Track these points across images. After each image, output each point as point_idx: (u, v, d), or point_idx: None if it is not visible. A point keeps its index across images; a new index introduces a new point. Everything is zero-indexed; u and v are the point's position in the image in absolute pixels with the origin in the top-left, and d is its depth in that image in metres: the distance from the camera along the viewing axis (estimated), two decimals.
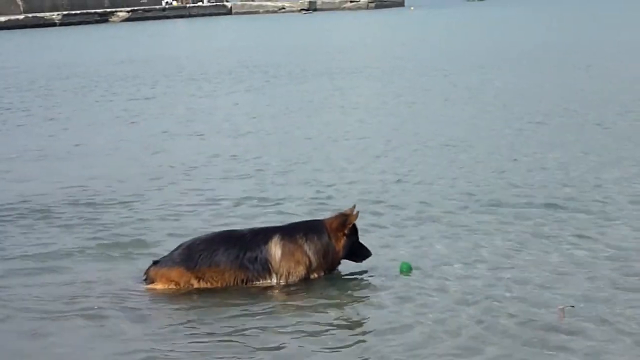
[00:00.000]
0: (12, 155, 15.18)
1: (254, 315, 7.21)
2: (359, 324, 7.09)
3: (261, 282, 7.72)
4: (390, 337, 6.71)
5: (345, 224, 7.87)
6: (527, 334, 6.65)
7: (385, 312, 7.20)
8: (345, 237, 7.86)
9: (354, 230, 7.95)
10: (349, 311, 7.33)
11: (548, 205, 10.24)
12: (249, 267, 7.68)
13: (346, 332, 6.88)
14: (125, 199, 11.38)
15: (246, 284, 7.71)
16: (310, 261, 7.77)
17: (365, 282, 7.96)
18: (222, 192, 11.57)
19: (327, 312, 7.25)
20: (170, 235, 9.42)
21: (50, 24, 70.65)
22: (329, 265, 7.90)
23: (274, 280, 7.73)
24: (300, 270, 7.77)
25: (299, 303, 7.45)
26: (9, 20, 69.05)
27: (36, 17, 71.10)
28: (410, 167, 12.85)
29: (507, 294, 7.43)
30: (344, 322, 7.09)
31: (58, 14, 72.60)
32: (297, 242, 7.77)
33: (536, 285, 7.61)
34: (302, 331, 6.87)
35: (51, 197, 11.59)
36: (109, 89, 25.54)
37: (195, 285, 7.70)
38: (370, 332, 6.87)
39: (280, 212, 10.27)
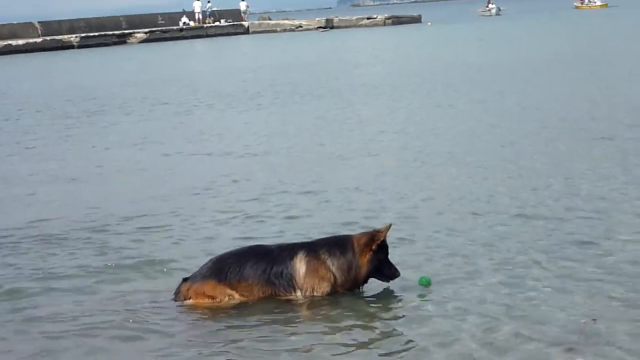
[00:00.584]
0: (29, 178, 15.07)
1: (276, 331, 7.25)
2: (377, 340, 7.04)
3: (287, 297, 7.75)
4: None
5: (374, 240, 7.77)
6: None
7: (402, 331, 7.15)
8: (371, 254, 7.76)
9: (383, 247, 7.82)
10: (369, 327, 7.29)
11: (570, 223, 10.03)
12: (275, 282, 7.73)
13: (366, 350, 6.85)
14: (147, 220, 11.27)
15: (273, 298, 7.75)
16: (334, 277, 7.76)
17: (387, 299, 7.84)
18: (246, 211, 11.45)
19: (348, 329, 7.23)
20: (194, 255, 9.35)
21: (68, 46, 70.88)
22: (352, 281, 7.82)
23: (299, 295, 7.74)
24: (324, 286, 7.76)
25: (320, 318, 7.45)
26: (27, 43, 69.32)
27: (54, 39, 71.36)
28: (434, 184, 12.68)
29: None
30: (365, 339, 7.05)
31: (76, 37, 72.86)
32: (321, 258, 7.75)
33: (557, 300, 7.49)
34: (322, 345, 6.91)
35: (70, 219, 11.48)
36: (128, 110, 25.47)
37: (228, 298, 7.74)
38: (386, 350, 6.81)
39: (304, 230, 10.15)
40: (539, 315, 7.21)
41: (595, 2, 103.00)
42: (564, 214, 10.38)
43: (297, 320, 7.44)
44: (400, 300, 7.78)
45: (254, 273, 7.73)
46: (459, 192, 11.95)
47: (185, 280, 7.93)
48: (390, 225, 7.91)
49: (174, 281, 8.20)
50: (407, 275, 8.13)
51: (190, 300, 7.78)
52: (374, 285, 7.98)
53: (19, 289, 8.64)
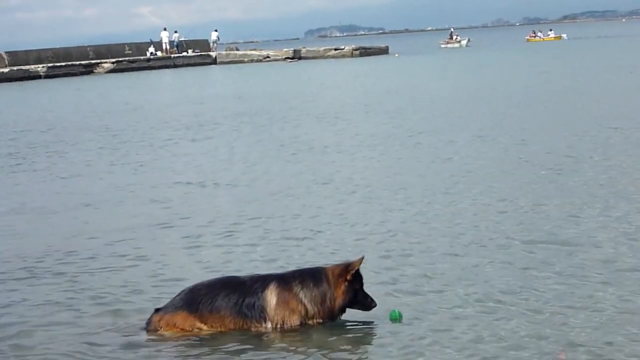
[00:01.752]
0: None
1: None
2: None
3: (258, 329, 7.68)
4: None
5: (348, 270, 7.76)
6: None
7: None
8: (346, 284, 7.73)
9: (357, 278, 7.81)
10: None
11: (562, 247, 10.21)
12: (247, 314, 7.67)
13: None
14: (122, 251, 11.30)
15: (245, 330, 7.69)
16: (305, 309, 7.70)
17: (361, 330, 7.84)
18: (214, 242, 11.48)
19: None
20: (173, 283, 9.39)
21: (35, 76, 70.56)
22: (327, 313, 7.76)
23: (269, 327, 7.68)
24: (295, 319, 7.70)
25: (293, 350, 7.40)
26: None
27: (21, 69, 71.02)
28: (411, 214, 12.77)
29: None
30: None
31: (43, 66, 72.57)
32: (293, 290, 7.70)
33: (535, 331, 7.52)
34: None
35: (48, 251, 11.47)
36: (95, 140, 25.48)
37: (199, 329, 7.69)
38: None
39: (286, 263, 10.18)
40: (513, 344, 7.26)
41: (549, 35, 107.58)
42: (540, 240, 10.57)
43: (267, 354, 7.39)
44: (372, 335, 7.74)
45: (225, 304, 7.68)
46: (426, 221, 12.09)
47: (157, 310, 7.90)
48: (363, 257, 7.88)
49: (146, 312, 8.22)
50: (378, 308, 8.08)
51: (161, 331, 7.74)
52: (348, 318, 7.96)
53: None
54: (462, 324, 7.80)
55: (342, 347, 7.48)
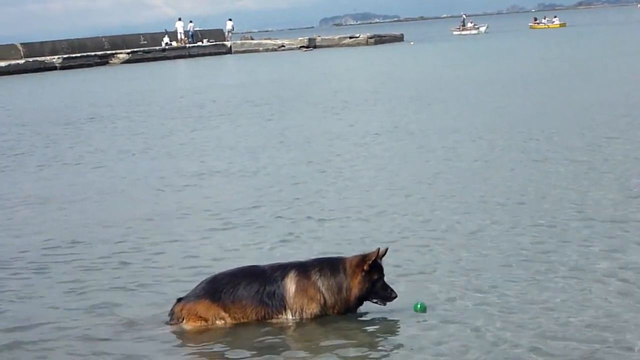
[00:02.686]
0: (16, 200, 14.99)
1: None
2: None
3: (279, 317, 7.70)
4: None
5: (365, 261, 7.73)
6: None
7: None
8: (362, 274, 7.69)
9: (375, 268, 7.76)
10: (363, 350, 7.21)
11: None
12: (268, 303, 7.68)
13: None
14: (141, 242, 11.30)
15: (266, 319, 7.71)
16: (324, 297, 7.69)
17: (383, 322, 7.77)
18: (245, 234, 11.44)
19: (343, 352, 7.15)
20: (192, 275, 9.32)
21: (51, 67, 70.66)
22: (343, 302, 7.73)
23: (289, 316, 7.69)
24: (313, 307, 7.70)
25: (313, 341, 7.39)
26: (9, 65, 69.07)
27: (37, 61, 71.11)
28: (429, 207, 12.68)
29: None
30: None
31: (58, 58, 72.65)
32: (311, 278, 7.70)
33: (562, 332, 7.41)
34: None
35: (61, 242, 11.49)
36: (113, 129, 25.48)
37: (222, 318, 7.70)
38: None
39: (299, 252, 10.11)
40: (544, 337, 7.20)
41: (554, 22, 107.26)
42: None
43: (288, 346, 7.36)
44: (397, 326, 7.68)
45: (247, 294, 7.70)
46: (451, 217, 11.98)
47: (179, 300, 7.90)
48: (379, 249, 7.82)
49: (168, 301, 8.21)
50: (403, 300, 8.04)
51: (184, 322, 7.73)
52: (369, 310, 7.91)
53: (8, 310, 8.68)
54: (485, 319, 7.72)
55: (368, 343, 7.42)
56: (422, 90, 31.84)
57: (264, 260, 8.96)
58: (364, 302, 7.91)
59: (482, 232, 10.76)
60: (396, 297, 7.83)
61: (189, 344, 7.53)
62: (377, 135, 20.49)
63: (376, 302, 7.85)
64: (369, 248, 8.41)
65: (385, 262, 8.02)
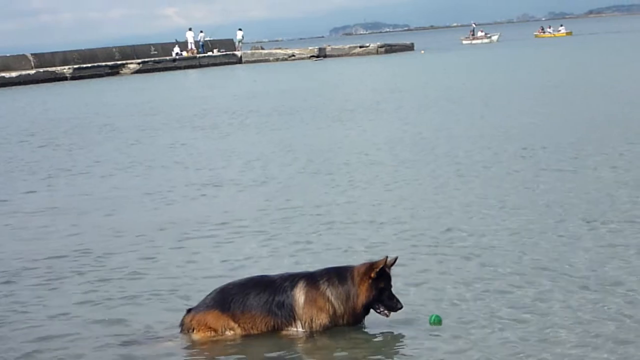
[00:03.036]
0: (24, 210, 14.97)
1: None
2: None
3: (288, 328, 7.67)
4: None
5: (372, 268, 7.68)
6: None
7: None
8: (369, 281, 7.64)
9: (383, 277, 7.70)
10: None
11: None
12: (277, 313, 7.65)
13: None
14: (153, 251, 11.30)
15: (275, 329, 7.68)
16: (333, 307, 7.65)
17: (393, 335, 7.71)
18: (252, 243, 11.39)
19: None
20: (204, 285, 9.28)
21: (61, 77, 70.84)
22: (351, 310, 7.68)
23: (299, 327, 7.66)
24: (323, 318, 7.66)
25: (324, 351, 7.39)
26: (20, 75, 69.29)
27: (47, 71, 71.32)
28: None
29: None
30: None
31: (69, 68, 72.85)
32: (320, 288, 7.67)
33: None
34: None
35: (72, 251, 11.50)
36: (124, 139, 25.49)
37: (231, 329, 7.68)
38: None
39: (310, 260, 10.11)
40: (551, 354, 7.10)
41: (560, 30, 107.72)
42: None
43: (300, 357, 7.33)
44: (408, 338, 7.62)
45: (256, 304, 7.67)
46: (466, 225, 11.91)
47: (189, 311, 7.89)
48: (387, 257, 7.77)
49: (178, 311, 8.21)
50: (416, 312, 8.02)
51: (194, 332, 7.71)
52: (380, 322, 7.86)
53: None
54: (499, 333, 7.65)
55: (381, 353, 7.37)
56: (434, 99, 31.76)
57: (275, 270, 8.93)
58: (370, 312, 7.84)
59: (495, 240, 10.69)
60: (402, 307, 7.77)
61: (198, 356, 7.48)
62: (387, 144, 20.42)
63: (380, 312, 7.79)
64: (378, 257, 8.34)
65: (396, 271, 7.95)
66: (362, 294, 7.66)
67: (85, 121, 32.55)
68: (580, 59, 53.28)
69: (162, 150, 22.42)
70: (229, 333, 7.70)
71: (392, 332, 7.78)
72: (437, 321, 7.82)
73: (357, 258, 9.70)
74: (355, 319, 7.76)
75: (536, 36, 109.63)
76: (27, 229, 13.45)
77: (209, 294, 7.93)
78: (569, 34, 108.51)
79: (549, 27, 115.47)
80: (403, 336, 7.68)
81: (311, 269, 8.20)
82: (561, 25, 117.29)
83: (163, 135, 25.90)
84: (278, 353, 7.40)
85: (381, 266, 7.68)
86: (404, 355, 7.30)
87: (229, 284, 7.97)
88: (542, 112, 24.66)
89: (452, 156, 17.63)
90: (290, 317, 7.67)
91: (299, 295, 7.66)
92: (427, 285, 9.04)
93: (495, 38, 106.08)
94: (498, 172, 15.54)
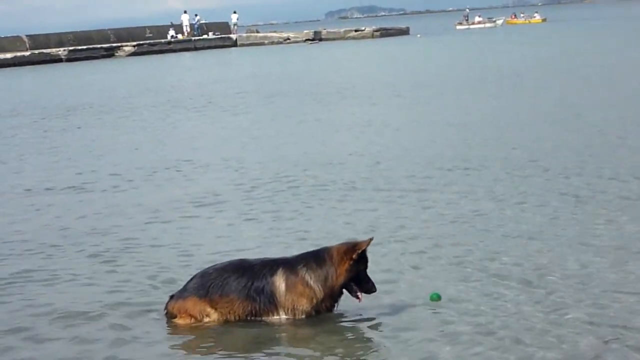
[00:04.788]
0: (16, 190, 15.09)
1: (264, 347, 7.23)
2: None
3: (268, 315, 7.68)
4: None
5: (354, 249, 7.66)
6: None
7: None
8: (351, 262, 7.63)
9: (363, 258, 7.71)
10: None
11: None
12: (256, 299, 7.66)
13: None
14: (140, 233, 11.35)
15: (255, 316, 7.69)
16: (313, 291, 7.64)
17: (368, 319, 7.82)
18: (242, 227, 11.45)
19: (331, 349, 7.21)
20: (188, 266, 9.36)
21: (57, 59, 70.84)
22: (329, 291, 7.65)
23: (281, 314, 7.68)
24: (304, 303, 7.67)
25: (305, 335, 7.46)
26: (15, 56, 69.26)
27: (42, 53, 71.30)
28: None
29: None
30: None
31: (64, 50, 72.82)
32: (299, 273, 7.67)
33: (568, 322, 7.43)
34: None
35: (71, 231, 11.57)
36: (116, 120, 25.59)
37: (210, 314, 7.69)
38: None
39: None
40: (550, 335, 7.17)
41: (535, 17, 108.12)
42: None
43: (280, 343, 7.36)
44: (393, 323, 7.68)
45: (235, 288, 7.66)
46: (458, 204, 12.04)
47: (171, 297, 7.91)
48: (372, 238, 7.77)
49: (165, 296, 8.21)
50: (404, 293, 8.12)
51: (176, 319, 7.75)
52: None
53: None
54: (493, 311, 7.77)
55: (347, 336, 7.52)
56: (429, 84, 31.86)
57: (263, 251, 9.06)
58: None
59: (492, 229, 10.67)
60: (375, 291, 7.77)
61: (179, 342, 7.50)
62: (382, 126, 20.53)
63: (354, 294, 7.75)
64: (358, 237, 8.45)
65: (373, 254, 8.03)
66: (341, 275, 7.61)
67: (79, 101, 32.57)
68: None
69: (156, 131, 22.53)
70: (207, 319, 7.69)
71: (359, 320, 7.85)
72: (437, 298, 7.98)
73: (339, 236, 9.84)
74: (333, 301, 7.75)
75: (508, 22, 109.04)
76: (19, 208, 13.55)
77: (190, 279, 7.92)
78: (543, 20, 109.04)
79: (522, 13, 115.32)
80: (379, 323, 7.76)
81: (288, 256, 8.10)
82: (536, 12, 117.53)
83: (158, 117, 26.01)
84: (262, 337, 7.47)
85: (364, 247, 7.67)
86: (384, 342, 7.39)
87: (208, 269, 7.94)
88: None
89: (449, 140, 17.75)
90: (271, 304, 7.64)
91: (279, 282, 7.63)
92: (412, 270, 9.12)
93: (499, 22, 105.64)
94: (476, 163, 15.60)
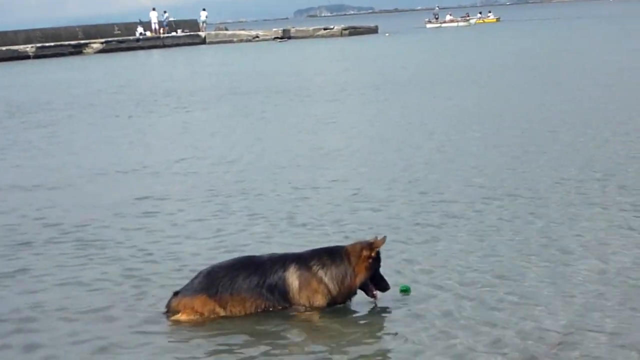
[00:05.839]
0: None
1: (273, 342, 7.22)
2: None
3: (281, 311, 7.64)
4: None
5: (372, 248, 7.71)
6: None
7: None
8: (369, 262, 7.69)
9: (379, 257, 7.79)
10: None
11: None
12: (269, 297, 7.61)
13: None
14: (130, 227, 11.35)
15: (267, 313, 7.64)
16: (327, 288, 7.64)
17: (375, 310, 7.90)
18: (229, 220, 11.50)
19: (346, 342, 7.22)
20: (186, 266, 9.30)
21: (24, 56, 70.43)
22: (346, 290, 7.69)
23: (294, 310, 7.65)
24: (319, 299, 7.66)
25: (318, 329, 7.45)
26: None
27: (10, 49, 70.87)
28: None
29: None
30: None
31: (32, 47, 72.41)
32: (312, 270, 7.64)
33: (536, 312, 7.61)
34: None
35: (42, 225, 11.58)
36: (88, 118, 25.62)
37: (219, 313, 7.61)
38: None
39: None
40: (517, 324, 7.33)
41: (488, 17, 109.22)
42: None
43: (289, 337, 7.32)
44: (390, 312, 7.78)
45: (246, 287, 7.58)
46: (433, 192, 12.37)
47: (175, 294, 7.77)
48: (385, 237, 7.83)
49: (165, 294, 8.14)
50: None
51: (180, 315, 7.62)
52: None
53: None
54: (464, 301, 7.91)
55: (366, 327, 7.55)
56: (399, 80, 32.10)
57: (262, 248, 9.14)
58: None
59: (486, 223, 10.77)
60: (389, 288, 7.84)
61: (182, 339, 7.42)
62: (356, 124, 20.79)
63: (370, 294, 7.82)
64: (363, 236, 8.56)
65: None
66: (360, 274, 7.65)
67: (51, 98, 32.50)
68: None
69: (124, 129, 22.58)
70: (216, 317, 7.59)
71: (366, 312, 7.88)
72: (406, 289, 8.07)
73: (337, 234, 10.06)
74: (348, 299, 7.78)
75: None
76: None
77: (195, 277, 7.77)
78: (497, 19, 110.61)
79: (479, 13, 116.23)
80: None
81: (298, 251, 8.06)
82: (489, 12, 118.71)
83: (130, 113, 26.07)
84: (270, 330, 7.46)
85: (381, 246, 7.72)
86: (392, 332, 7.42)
87: (215, 267, 7.83)
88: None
89: (427, 136, 17.98)
90: (285, 301, 7.59)
91: (292, 279, 7.58)
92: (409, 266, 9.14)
93: (473, 21, 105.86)
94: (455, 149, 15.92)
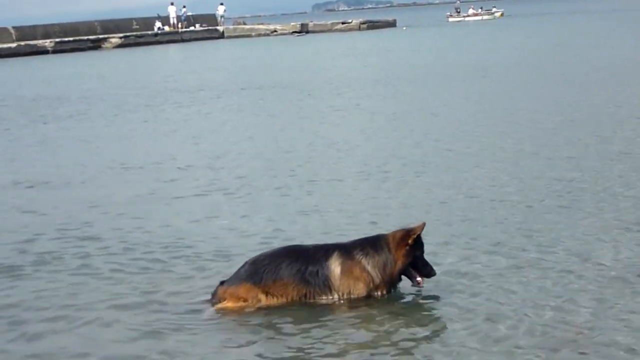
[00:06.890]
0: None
1: (318, 332, 7.29)
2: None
3: (323, 298, 7.79)
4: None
5: (409, 235, 7.81)
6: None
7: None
8: (407, 248, 7.79)
9: (418, 243, 7.87)
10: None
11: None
12: (311, 282, 7.76)
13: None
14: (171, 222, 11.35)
15: (309, 299, 7.79)
16: (370, 276, 7.78)
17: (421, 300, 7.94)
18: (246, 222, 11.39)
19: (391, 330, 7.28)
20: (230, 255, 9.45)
21: (43, 51, 70.59)
22: (388, 278, 7.81)
23: (335, 297, 7.78)
24: (360, 287, 7.80)
25: (363, 318, 7.50)
26: (1, 48, 68.99)
27: (28, 44, 71.05)
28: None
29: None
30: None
31: (50, 42, 72.59)
32: (355, 258, 7.79)
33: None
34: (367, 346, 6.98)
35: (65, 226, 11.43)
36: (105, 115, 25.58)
37: (263, 300, 7.79)
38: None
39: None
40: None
41: (495, 12, 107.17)
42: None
43: (333, 326, 7.39)
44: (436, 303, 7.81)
45: (289, 272, 7.75)
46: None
47: (222, 283, 7.96)
48: (424, 223, 7.90)
49: (212, 283, 8.27)
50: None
51: (226, 303, 7.78)
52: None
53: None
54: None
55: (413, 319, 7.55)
56: (416, 76, 31.99)
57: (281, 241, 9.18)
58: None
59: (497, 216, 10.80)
60: (435, 274, 7.94)
61: (229, 325, 7.56)
62: (371, 119, 20.67)
63: (414, 280, 7.91)
64: (379, 228, 8.67)
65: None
66: (399, 260, 7.76)
67: (67, 94, 32.53)
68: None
69: (142, 123, 22.61)
70: (260, 304, 7.77)
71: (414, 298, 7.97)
72: None
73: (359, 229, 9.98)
74: (391, 287, 7.89)
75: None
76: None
77: (242, 266, 7.97)
78: (501, 15, 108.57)
79: (481, 8, 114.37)
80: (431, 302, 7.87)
81: (340, 241, 8.22)
82: (493, 7, 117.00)
83: (144, 108, 26.07)
84: (308, 319, 7.54)
85: (419, 232, 7.80)
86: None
87: (260, 255, 8.03)
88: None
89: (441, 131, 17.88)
90: (326, 287, 7.74)
91: (334, 266, 7.75)
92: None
93: (498, 14, 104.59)
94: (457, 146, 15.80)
